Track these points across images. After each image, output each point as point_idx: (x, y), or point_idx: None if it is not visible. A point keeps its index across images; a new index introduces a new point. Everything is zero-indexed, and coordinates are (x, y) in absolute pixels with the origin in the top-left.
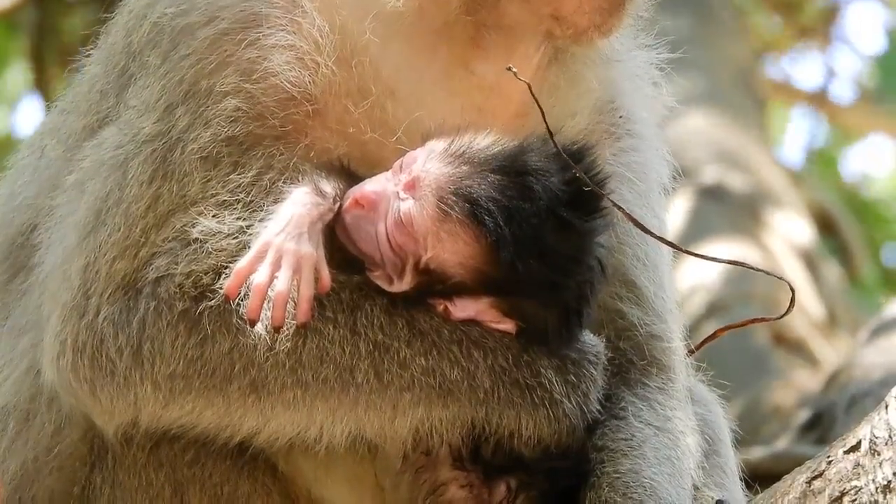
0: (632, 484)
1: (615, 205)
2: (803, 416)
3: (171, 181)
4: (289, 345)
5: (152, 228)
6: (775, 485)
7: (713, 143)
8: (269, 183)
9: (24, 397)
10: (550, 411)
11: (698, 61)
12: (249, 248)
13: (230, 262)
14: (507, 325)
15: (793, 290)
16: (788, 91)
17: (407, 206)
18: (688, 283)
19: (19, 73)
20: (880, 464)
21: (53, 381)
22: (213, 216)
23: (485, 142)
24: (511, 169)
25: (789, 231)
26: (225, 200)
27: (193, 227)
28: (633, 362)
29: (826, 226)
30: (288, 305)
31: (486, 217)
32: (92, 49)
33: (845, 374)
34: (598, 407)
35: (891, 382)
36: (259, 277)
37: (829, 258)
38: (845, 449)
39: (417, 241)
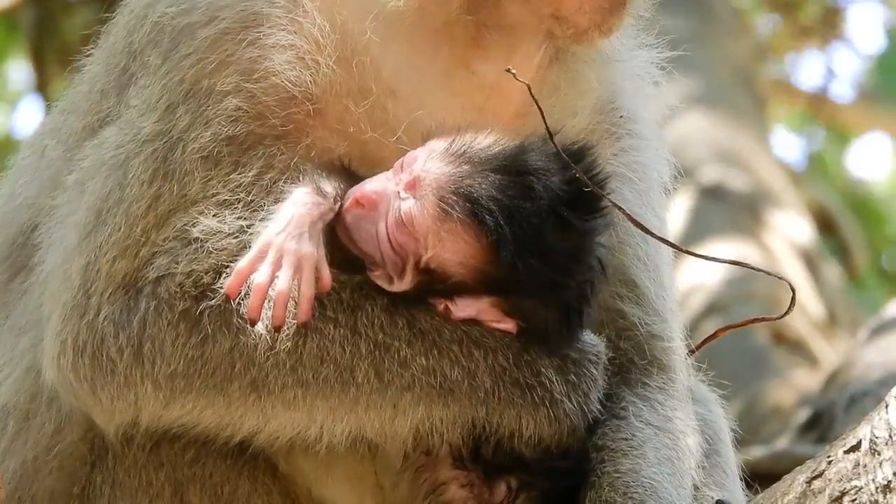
0: (632, 483)
1: (615, 205)
2: (803, 415)
3: (172, 181)
4: (289, 344)
5: (153, 228)
6: (775, 485)
7: (713, 143)
8: (269, 182)
9: (24, 397)
10: (551, 411)
11: (698, 61)
12: (250, 247)
13: (231, 262)
14: (508, 325)
15: (793, 290)
16: (788, 91)
17: (407, 205)
18: (688, 282)
19: (19, 73)
20: (880, 464)
21: (54, 380)
22: (214, 216)
23: (485, 141)
24: (512, 168)
25: (789, 231)
26: (225, 200)
27: (194, 227)
28: (633, 362)
29: (826, 226)
30: (288, 305)
31: (487, 216)
32: (92, 49)
33: (845, 373)
34: (599, 407)
35: (890, 382)
36: (260, 277)
37: (829, 258)
38: (845, 449)
39: (418, 240)
